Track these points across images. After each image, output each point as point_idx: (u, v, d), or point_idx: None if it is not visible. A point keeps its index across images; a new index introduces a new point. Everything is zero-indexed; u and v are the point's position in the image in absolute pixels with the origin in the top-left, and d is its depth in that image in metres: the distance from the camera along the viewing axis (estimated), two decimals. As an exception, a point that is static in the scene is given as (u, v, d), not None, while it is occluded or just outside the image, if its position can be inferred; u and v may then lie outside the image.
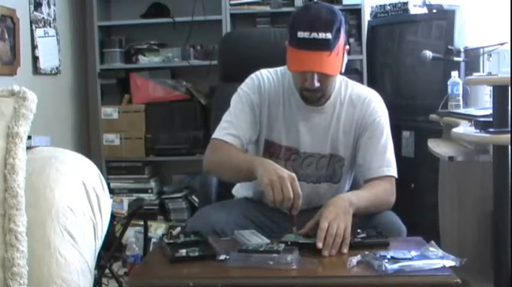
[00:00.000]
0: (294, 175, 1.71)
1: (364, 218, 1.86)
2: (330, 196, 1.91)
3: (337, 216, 1.69)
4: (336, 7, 3.19)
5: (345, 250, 1.63)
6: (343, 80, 2.03)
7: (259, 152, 2.01)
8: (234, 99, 2.00)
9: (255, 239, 1.73)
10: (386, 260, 1.49)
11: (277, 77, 2.02)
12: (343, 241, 1.64)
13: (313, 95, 1.90)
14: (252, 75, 2.03)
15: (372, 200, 1.87)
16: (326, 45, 1.79)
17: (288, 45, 1.87)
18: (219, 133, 1.95)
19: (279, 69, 2.03)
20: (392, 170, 1.97)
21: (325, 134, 1.99)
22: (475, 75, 2.60)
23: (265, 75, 2.01)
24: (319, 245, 1.63)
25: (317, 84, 1.84)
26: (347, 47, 1.91)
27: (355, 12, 3.61)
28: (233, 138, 1.93)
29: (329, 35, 1.78)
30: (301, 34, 1.79)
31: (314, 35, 1.78)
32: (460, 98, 2.72)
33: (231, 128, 1.94)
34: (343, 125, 1.99)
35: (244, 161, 1.86)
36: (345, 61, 1.92)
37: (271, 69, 2.04)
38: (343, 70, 1.93)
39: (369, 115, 1.98)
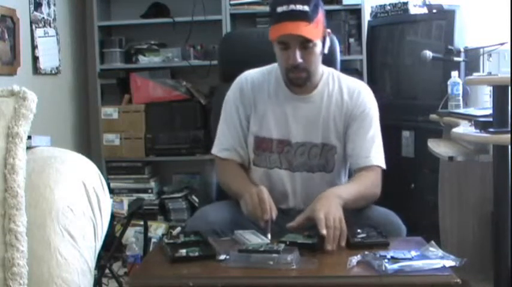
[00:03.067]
0: (262, 188, 1.85)
1: (362, 218, 1.88)
2: (326, 185, 1.95)
3: (330, 208, 1.73)
4: (336, 7, 3.25)
5: (343, 243, 1.67)
6: (330, 72, 2.08)
7: (250, 149, 2.07)
8: (223, 107, 2.11)
9: (255, 239, 1.74)
10: (386, 260, 1.49)
11: (262, 75, 2.09)
12: (341, 234, 1.67)
13: (299, 75, 1.95)
14: (237, 78, 2.11)
15: (361, 193, 1.92)
16: (304, 16, 1.86)
17: (270, 25, 1.95)
18: (216, 149, 2.10)
19: (265, 67, 2.10)
20: (380, 160, 2.01)
21: (315, 123, 2.02)
22: (475, 75, 2.60)
23: (248, 76, 2.09)
24: (324, 232, 1.66)
25: (299, 59, 1.90)
26: (328, 30, 1.99)
27: (355, 12, 3.61)
28: (229, 153, 2.07)
29: (306, 7, 1.86)
30: (280, 9, 1.88)
31: (292, 7, 1.86)
32: (460, 98, 2.72)
33: (225, 141, 2.08)
34: (333, 114, 2.03)
35: (237, 192, 1.97)
36: (327, 44, 1.99)
37: (257, 69, 2.10)
38: (326, 51, 1.99)
39: (359, 106, 2.02)
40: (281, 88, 2.04)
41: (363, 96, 2.04)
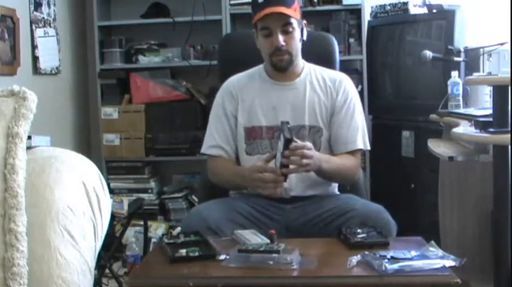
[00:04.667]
0: (257, 165, 1.99)
1: (353, 213, 1.97)
2: None
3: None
4: (336, 7, 3.31)
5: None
6: (311, 65, 2.25)
7: (242, 141, 2.19)
8: (212, 110, 2.27)
9: (255, 239, 1.74)
10: (386, 260, 1.50)
11: (246, 74, 2.27)
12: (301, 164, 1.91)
13: (282, 57, 2.11)
14: (223, 84, 2.29)
15: (339, 169, 2.10)
16: (283, 2, 2.07)
17: (253, 17, 2.11)
18: (204, 147, 2.25)
19: (249, 70, 2.28)
20: (362, 143, 2.18)
21: (301, 108, 2.16)
22: (475, 75, 2.60)
23: (233, 78, 2.27)
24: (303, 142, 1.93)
25: (282, 42, 2.08)
26: (304, 21, 2.17)
27: (355, 12, 3.61)
28: (215, 150, 2.21)
29: None
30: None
31: None
32: (460, 98, 2.71)
33: (212, 139, 2.22)
34: (318, 99, 2.18)
35: (234, 177, 2.13)
36: (305, 32, 2.17)
37: (241, 73, 2.28)
38: (304, 37, 2.16)
39: (342, 95, 2.19)
40: (266, 80, 2.22)
41: (344, 84, 2.21)
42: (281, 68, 2.15)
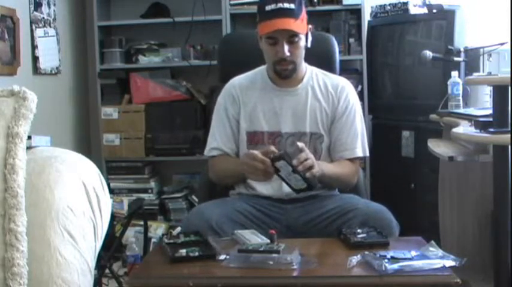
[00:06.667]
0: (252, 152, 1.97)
1: (355, 212, 1.96)
2: None
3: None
4: (336, 7, 3.30)
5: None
6: (313, 68, 2.24)
7: (244, 145, 2.19)
8: (214, 112, 2.27)
9: (255, 239, 1.74)
10: (386, 260, 1.50)
11: (248, 76, 2.25)
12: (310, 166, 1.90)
13: (286, 67, 2.10)
14: (226, 85, 2.28)
15: (338, 175, 2.11)
16: (291, 13, 2.04)
17: (259, 23, 2.10)
18: (206, 150, 2.26)
19: (251, 71, 2.27)
20: (361, 151, 2.20)
21: (303, 114, 2.16)
22: (475, 75, 2.60)
23: (236, 80, 2.26)
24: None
25: (287, 53, 2.06)
26: (310, 26, 2.15)
27: (355, 12, 3.61)
28: (216, 152, 2.22)
29: (293, 5, 2.04)
30: (268, 7, 2.04)
31: (280, 5, 2.03)
32: (460, 98, 2.72)
33: (213, 141, 2.23)
34: (319, 105, 2.18)
35: (234, 167, 2.13)
36: (310, 38, 2.15)
37: (243, 74, 2.27)
38: (309, 45, 2.14)
39: (343, 101, 2.18)
40: (268, 85, 2.20)
41: (346, 91, 2.20)
42: (284, 77, 2.15)
